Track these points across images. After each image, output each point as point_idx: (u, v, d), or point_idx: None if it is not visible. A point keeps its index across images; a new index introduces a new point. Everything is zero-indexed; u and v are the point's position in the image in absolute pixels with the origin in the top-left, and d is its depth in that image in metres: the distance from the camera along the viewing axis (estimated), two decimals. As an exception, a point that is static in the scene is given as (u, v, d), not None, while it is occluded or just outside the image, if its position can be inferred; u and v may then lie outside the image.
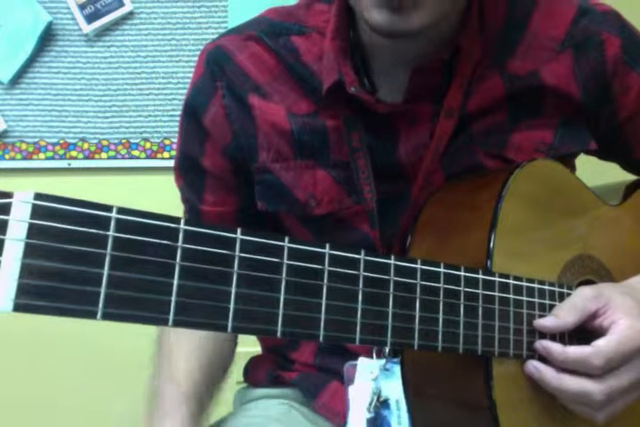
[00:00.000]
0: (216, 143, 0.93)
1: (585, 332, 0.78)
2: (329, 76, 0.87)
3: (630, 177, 1.06)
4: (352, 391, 0.86)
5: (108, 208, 0.43)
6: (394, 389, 0.84)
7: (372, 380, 0.85)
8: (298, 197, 0.91)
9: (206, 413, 0.93)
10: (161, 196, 1.44)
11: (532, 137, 0.89)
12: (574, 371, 0.74)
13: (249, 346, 1.06)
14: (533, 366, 0.75)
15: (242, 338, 1.01)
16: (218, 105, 0.92)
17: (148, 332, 0.86)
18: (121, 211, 0.43)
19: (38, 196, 0.40)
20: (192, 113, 0.95)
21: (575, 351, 0.74)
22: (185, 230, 0.46)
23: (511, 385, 0.75)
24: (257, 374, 1.03)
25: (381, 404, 0.84)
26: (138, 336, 0.96)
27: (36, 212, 0.40)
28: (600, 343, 0.74)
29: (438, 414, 0.79)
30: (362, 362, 0.86)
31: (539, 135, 0.89)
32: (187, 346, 0.95)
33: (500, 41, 0.89)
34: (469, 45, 0.86)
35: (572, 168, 0.99)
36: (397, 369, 0.84)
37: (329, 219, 0.91)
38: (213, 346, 0.97)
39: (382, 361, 0.85)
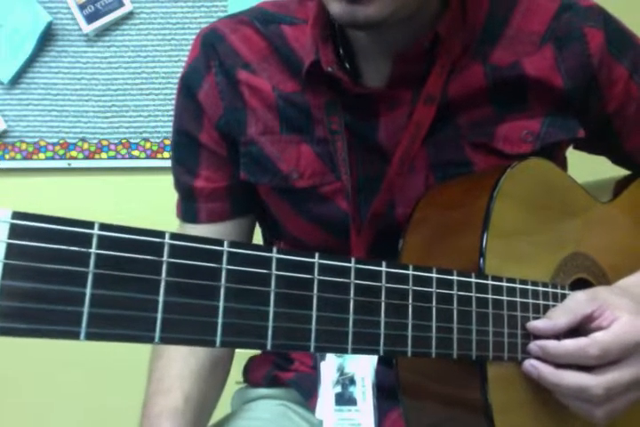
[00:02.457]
0: (210, 118, 0.96)
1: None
2: (308, 57, 0.90)
3: (620, 173, 1.07)
4: (323, 367, 0.88)
5: (89, 225, 0.42)
6: (359, 366, 0.87)
7: (339, 356, 0.88)
8: (281, 169, 0.93)
9: (202, 419, 0.93)
10: (161, 196, 1.43)
11: (518, 127, 0.90)
12: (572, 366, 0.74)
13: (249, 346, 1.06)
14: (531, 364, 0.75)
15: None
16: (211, 82, 0.95)
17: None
18: (103, 227, 0.42)
19: (16, 214, 0.39)
20: (187, 90, 0.98)
21: (571, 342, 0.74)
22: (170, 245, 0.46)
23: (507, 387, 0.75)
24: (256, 375, 1.04)
25: (348, 380, 0.86)
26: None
27: (15, 231, 0.39)
28: (597, 334, 0.74)
29: (433, 417, 0.79)
30: None
31: (526, 125, 0.90)
32: (179, 350, 0.94)
33: (482, 34, 0.90)
34: (449, 34, 0.87)
35: (564, 163, 0.99)
36: None
37: (310, 193, 0.93)
38: (207, 349, 0.95)
39: None
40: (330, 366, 0.87)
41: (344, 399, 0.86)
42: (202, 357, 0.94)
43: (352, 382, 0.86)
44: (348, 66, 0.91)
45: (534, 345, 0.75)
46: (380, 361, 0.88)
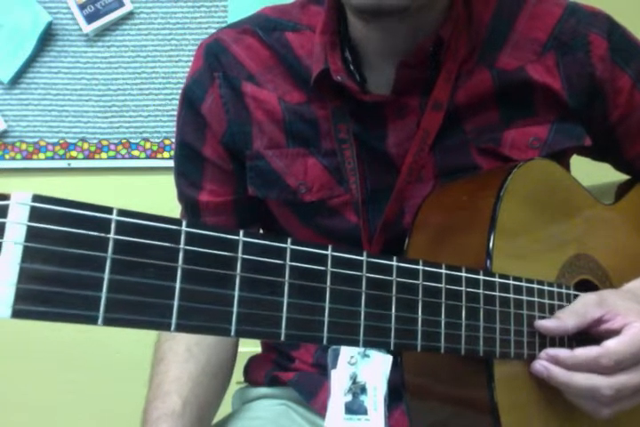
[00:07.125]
0: (214, 131, 0.95)
1: (593, 340, 0.77)
2: (317, 65, 0.89)
3: (622, 177, 1.07)
4: (334, 375, 0.87)
5: (108, 210, 0.42)
6: (371, 374, 0.86)
7: (352, 365, 0.86)
8: (289, 184, 0.92)
9: (202, 423, 0.92)
10: (161, 196, 1.43)
11: (525, 133, 0.89)
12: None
13: (249, 346, 1.06)
14: (541, 364, 0.75)
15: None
16: (215, 94, 0.94)
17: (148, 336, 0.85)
18: (121, 213, 0.42)
19: (36, 197, 0.39)
20: (190, 102, 0.97)
21: (584, 352, 0.73)
22: (187, 232, 0.45)
23: (513, 386, 0.75)
24: (256, 374, 1.03)
25: (360, 389, 0.85)
26: (139, 337, 0.96)
27: (35, 214, 0.39)
28: (610, 344, 0.74)
29: (438, 416, 0.79)
30: (344, 347, 0.87)
31: (532, 131, 0.90)
32: (179, 355, 0.94)
33: (487, 37, 0.90)
34: (453, 38, 0.86)
35: (567, 170, 0.99)
36: (376, 355, 0.85)
37: (318, 206, 0.92)
38: (208, 354, 0.95)
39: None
40: (341, 374, 0.86)
41: (354, 408, 0.85)
42: (202, 361, 0.94)
43: (363, 390, 0.85)
44: (356, 74, 0.90)
45: (545, 354, 0.75)
46: (394, 368, 0.87)
